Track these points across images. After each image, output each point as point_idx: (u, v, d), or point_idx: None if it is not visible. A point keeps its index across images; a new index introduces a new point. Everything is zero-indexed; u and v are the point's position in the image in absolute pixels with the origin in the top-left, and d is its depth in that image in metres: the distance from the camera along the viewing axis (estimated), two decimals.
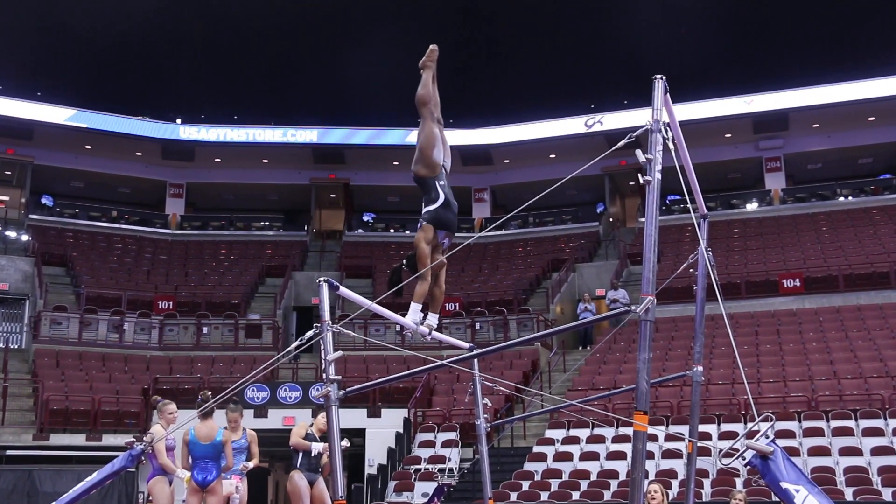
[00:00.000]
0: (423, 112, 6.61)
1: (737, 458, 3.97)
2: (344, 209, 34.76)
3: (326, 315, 5.29)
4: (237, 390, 7.54)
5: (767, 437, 3.92)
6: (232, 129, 32.42)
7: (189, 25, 33.32)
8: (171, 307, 25.18)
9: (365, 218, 34.90)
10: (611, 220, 33.12)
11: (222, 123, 32.42)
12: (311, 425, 9.00)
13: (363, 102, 33.98)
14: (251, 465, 9.72)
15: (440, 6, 33.34)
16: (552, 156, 32.32)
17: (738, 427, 16.25)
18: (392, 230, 33.93)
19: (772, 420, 3.99)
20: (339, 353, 5.20)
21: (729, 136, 31.29)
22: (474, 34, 34.19)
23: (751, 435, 4.00)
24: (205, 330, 24.45)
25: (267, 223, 34.23)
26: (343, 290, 5.72)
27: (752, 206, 31.40)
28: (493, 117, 32.72)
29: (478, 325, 24.23)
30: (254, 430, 10.01)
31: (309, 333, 5.33)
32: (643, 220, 4.27)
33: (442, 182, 6.54)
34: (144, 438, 7.53)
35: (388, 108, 32.75)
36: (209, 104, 33.14)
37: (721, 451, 4.03)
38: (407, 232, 33.42)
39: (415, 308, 6.36)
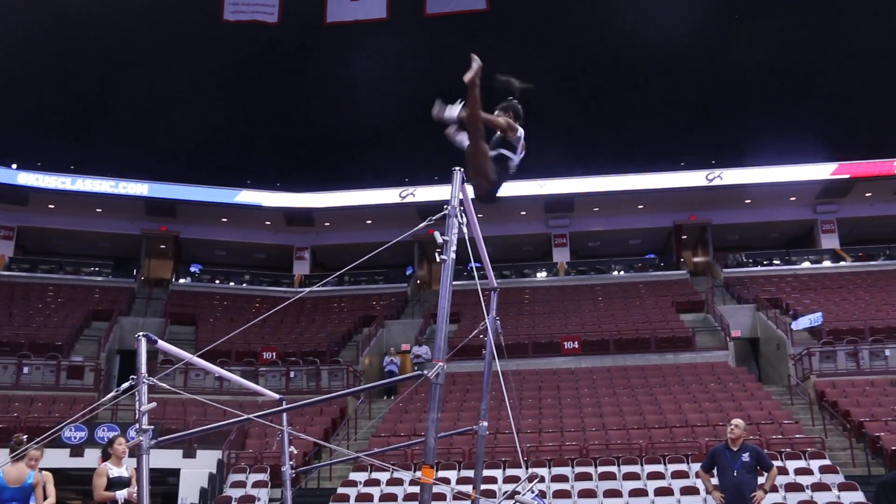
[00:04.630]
0: None
1: None
2: (173, 259, 33.66)
3: (143, 368, 5.10)
4: (56, 433, 7.05)
5: (532, 493, 4.07)
6: (66, 178, 30.85)
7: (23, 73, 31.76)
8: None
9: (192, 269, 33.87)
10: (418, 282, 33.55)
11: (57, 171, 30.83)
12: (107, 460, 8.18)
13: (198, 160, 33.30)
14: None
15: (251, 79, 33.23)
16: (368, 221, 32.57)
17: (520, 472, 16.60)
18: (217, 281, 33.00)
19: (537, 477, 4.14)
20: (153, 404, 5.01)
21: (524, 213, 32.51)
22: (298, 110, 34.28)
23: (520, 486, 4.13)
24: (25, 370, 22.77)
25: (97, 269, 32.56)
26: (161, 344, 5.52)
27: (542, 276, 32.61)
28: (316, 183, 32.70)
29: (292, 374, 23.82)
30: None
31: (125, 385, 5.11)
32: None
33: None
34: None
35: (220, 168, 32.37)
36: (45, 152, 31.48)
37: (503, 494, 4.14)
38: (231, 284, 32.67)
39: (455, 109, 5.03)
